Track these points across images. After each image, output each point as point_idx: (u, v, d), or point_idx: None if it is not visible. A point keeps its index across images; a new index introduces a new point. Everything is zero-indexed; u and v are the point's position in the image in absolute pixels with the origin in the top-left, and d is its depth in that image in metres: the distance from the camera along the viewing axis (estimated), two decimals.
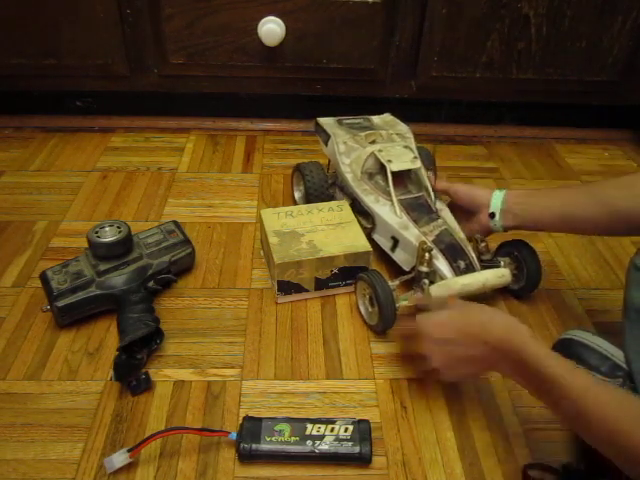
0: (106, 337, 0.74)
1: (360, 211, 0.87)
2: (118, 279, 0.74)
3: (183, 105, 1.22)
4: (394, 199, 0.82)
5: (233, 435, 0.60)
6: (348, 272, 0.80)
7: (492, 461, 0.62)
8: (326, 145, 0.93)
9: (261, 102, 1.22)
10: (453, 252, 0.76)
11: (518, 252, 0.80)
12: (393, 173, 0.82)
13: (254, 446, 0.59)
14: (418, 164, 0.84)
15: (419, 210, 0.81)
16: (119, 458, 0.58)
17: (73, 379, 0.68)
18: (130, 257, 0.76)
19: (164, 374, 0.69)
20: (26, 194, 1.00)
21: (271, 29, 1.04)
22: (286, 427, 0.61)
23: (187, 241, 0.82)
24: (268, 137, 1.21)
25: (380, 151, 0.85)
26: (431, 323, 0.63)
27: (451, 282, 0.73)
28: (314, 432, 0.61)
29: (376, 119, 0.98)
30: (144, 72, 1.12)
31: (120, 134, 1.19)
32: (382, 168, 0.86)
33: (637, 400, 0.50)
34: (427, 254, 0.73)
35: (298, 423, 0.62)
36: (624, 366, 0.60)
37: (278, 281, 0.78)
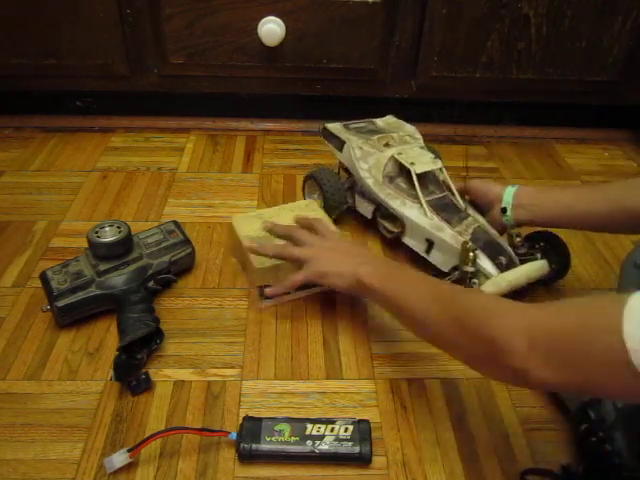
0: (106, 337, 0.74)
1: (386, 216, 0.86)
2: (118, 279, 0.74)
3: (183, 105, 1.22)
4: (422, 201, 0.82)
5: (233, 435, 0.60)
6: None
7: (492, 461, 0.62)
8: (340, 151, 0.92)
9: (261, 102, 1.22)
10: (492, 249, 0.76)
11: (545, 242, 0.80)
12: (417, 175, 0.82)
13: (254, 446, 0.59)
14: (439, 164, 0.85)
15: (447, 210, 0.81)
16: (119, 458, 0.58)
17: (73, 379, 0.68)
18: (130, 257, 0.76)
19: (164, 374, 0.69)
20: (26, 194, 1.00)
21: (271, 29, 1.04)
22: (286, 427, 0.61)
23: (187, 241, 0.82)
24: (268, 137, 1.21)
25: (400, 154, 0.85)
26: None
27: (498, 279, 0.73)
28: (314, 432, 0.61)
29: (380, 121, 0.98)
30: (144, 72, 1.12)
31: (120, 134, 1.19)
32: (402, 171, 0.85)
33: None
34: (471, 254, 0.73)
35: (298, 423, 0.62)
36: None
37: (259, 287, 0.77)
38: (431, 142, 0.98)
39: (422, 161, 0.84)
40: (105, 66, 1.09)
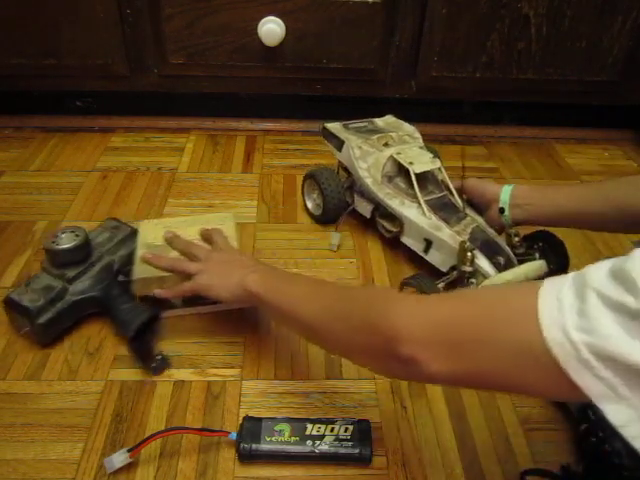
0: (106, 337, 0.74)
1: (384, 215, 0.87)
2: (91, 281, 0.73)
3: (183, 105, 1.22)
4: (421, 200, 0.82)
5: (233, 435, 0.60)
6: None
7: (492, 461, 0.62)
8: (339, 151, 0.92)
9: (261, 102, 1.22)
10: (490, 249, 0.76)
11: (543, 242, 0.80)
12: (415, 175, 0.82)
13: (254, 446, 0.59)
14: (438, 164, 0.85)
15: (446, 210, 0.82)
16: (119, 458, 0.58)
17: (73, 379, 0.68)
18: (93, 258, 0.75)
19: (164, 374, 0.69)
20: (26, 194, 1.00)
21: (271, 29, 1.04)
22: (286, 427, 0.61)
23: (133, 231, 0.81)
24: (268, 137, 1.21)
25: (399, 154, 0.85)
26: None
27: (496, 279, 0.73)
28: (314, 432, 0.61)
29: (379, 121, 0.98)
30: (144, 72, 1.12)
31: (120, 134, 1.19)
32: (401, 170, 0.86)
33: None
34: (469, 253, 0.73)
35: (298, 423, 0.62)
36: None
37: (139, 297, 0.73)
38: (431, 142, 0.98)
39: (421, 161, 0.84)
40: (105, 66, 1.09)
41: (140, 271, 0.73)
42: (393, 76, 1.14)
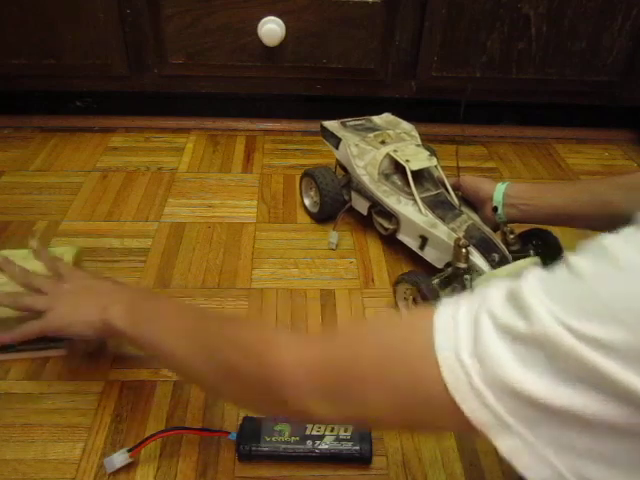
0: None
1: (381, 213, 0.87)
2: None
3: (183, 105, 1.22)
4: (417, 198, 0.82)
5: (233, 435, 0.60)
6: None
7: (492, 461, 0.62)
8: (337, 149, 0.92)
9: (261, 102, 1.23)
10: (485, 246, 0.76)
11: (539, 240, 0.81)
12: (412, 172, 0.82)
13: (254, 446, 0.59)
14: (434, 161, 0.85)
15: (442, 207, 0.82)
16: (119, 458, 0.58)
17: (73, 379, 0.68)
18: None
19: (164, 374, 0.69)
20: (26, 194, 1.00)
21: (271, 29, 1.04)
22: (286, 427, 0.61)
23: None
24: (268, 137, 1.21)
25: (395, 151, 0.85)
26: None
27: (490, 275, 0.73)
28: (314, 432, 0.61)
29: (377, 119, 0.98)
30: (144, 72, 1.12)
31: (120, 134, 1.19)
32: (397, 168, 0.86)
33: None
34: (464, 250, 0.73)
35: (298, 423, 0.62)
36: None
37: None
38: (430, 142, 0.98)
39: (417, 158, 0.84)
40: (105, 66, 1.09)
41: None
42: (393, 76, 1.14)
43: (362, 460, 0.60)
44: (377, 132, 0.91)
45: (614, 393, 0.27)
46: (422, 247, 0.82)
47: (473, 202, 0.84)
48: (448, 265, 0.77)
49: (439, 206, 0.82)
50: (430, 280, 0.73)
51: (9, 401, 0.65)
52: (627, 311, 0.26)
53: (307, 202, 0.98)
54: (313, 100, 1.19)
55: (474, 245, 0.76)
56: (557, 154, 1.21)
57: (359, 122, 0.96)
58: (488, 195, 0.80)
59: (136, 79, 1.12)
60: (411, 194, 0.83)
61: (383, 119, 0.98)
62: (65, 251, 0.72)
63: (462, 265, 0.74)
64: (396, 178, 0.86)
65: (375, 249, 0.91)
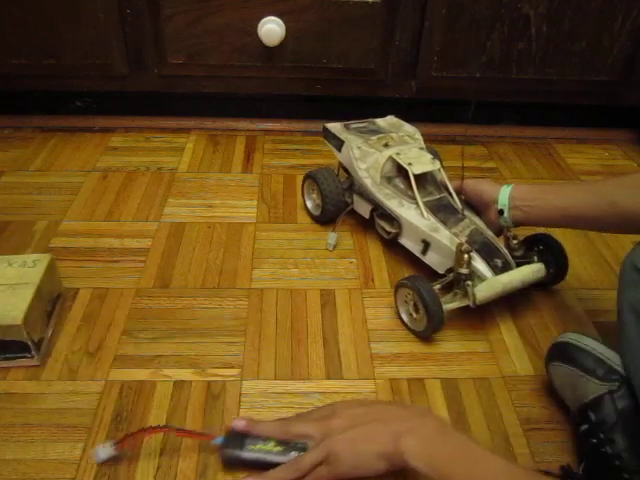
0: (106, 337, 0.74)
1: (383, 216, 0.86)
2: None
3: (183, 105, 1.22)
4: (419, 202, 0.81)
5: (218, 440, 0.59)
6: None
7: None
8: (339, 151, 0.92)
9: (261, 102, 1.23)
10: (488, 251, 0.76)
11: (543, 245, 0.80)
12: (414, 176, 0.82)
13: (237, 453, 0.57)
14: (437, 165, 0.84)
15: (445, 211, 0.81)
16: (105, 450, 0.57)
17: (73, 379, 0.68)
18: None
19: (164, 374, 0.69)
20: (26, 194, 1.00)
21: (271, 29, 1.04)
22: (272, 437, 0.58)
23: None
24: (268, 137, 1.21)
25: (398, 154, 0.85)
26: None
27: (492, 282, 0.73)
28: (300, 444, 0.57)
29: (381, 122, 0.97)
30: (144, 72, 1.12)
31: (120, 134, 1.19)
32: (400, 171, 0.85)
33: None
34: (466, 255, 0.73)
35: None
36: (620, 370, 0.60)
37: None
38: (431, 142, 0.98)
39: (420, 162, 0.84)
40: (105, 66, 1.09)
41: None
42: (393, 76, 1.14)
43: None
44: (380, 135, 0.91)
45: None
46: (424, 252, 0.81)
47: (476, 206, 0.83)
48: (450, 270, 0.77)
49: (442, 210, 0.81)
50: (431, 285, 0.73)
51: (9, 401, 0.65)
52: None
53: (309, 204, 0.97)
54: (313, 100, 1.19)
55: (477, 250, 0.75)
56: (557, 154, 1.21)
57: (362, 124, 0.96)
58: (492, 198, 0.78)
59: (136, 79, 1.13)
60: (413, 198, 0.82)
61: (386, 121, 0.98)
62: (38, 258, 0.73)
63: (464, 271, 0.73)
64: (399, 181, 0.86)
65: (375, 249, 0.91)
